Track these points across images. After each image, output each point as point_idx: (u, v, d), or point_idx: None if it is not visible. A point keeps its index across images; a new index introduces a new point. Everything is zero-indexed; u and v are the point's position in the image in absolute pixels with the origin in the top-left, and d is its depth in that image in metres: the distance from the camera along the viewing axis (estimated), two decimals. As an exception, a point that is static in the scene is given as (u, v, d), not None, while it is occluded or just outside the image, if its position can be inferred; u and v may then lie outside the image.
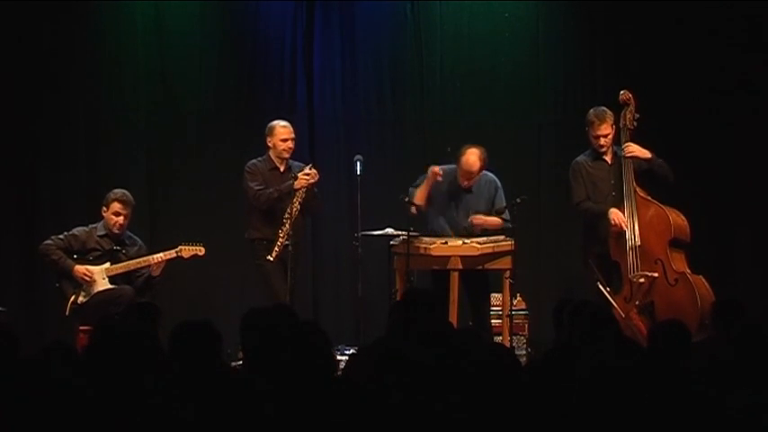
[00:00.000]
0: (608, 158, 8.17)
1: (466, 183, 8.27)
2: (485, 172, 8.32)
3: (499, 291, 8.39)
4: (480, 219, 8.24)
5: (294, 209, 8.16)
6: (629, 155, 8.02)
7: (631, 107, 8.11)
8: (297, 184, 8.18)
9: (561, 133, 9.56)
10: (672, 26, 9.32)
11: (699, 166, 9.20)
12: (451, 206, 8.31)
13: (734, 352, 4.67)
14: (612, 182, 8.11)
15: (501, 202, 8.29)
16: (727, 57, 9.27)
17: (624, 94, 8.12)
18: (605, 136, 8.10)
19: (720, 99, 9.30)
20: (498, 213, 8.21)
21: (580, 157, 8.26)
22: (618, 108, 8.12)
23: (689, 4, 9.26)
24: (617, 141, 8.14)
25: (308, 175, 8.21)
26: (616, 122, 8.11)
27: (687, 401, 4.06)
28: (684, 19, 9.28)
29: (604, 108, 8.14)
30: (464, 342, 4.85)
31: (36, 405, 4.02)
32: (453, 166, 8.33)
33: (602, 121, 8.09)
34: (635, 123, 8.10)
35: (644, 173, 8.07)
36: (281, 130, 8.42)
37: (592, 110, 8.17)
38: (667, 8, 9.28)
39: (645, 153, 8.04)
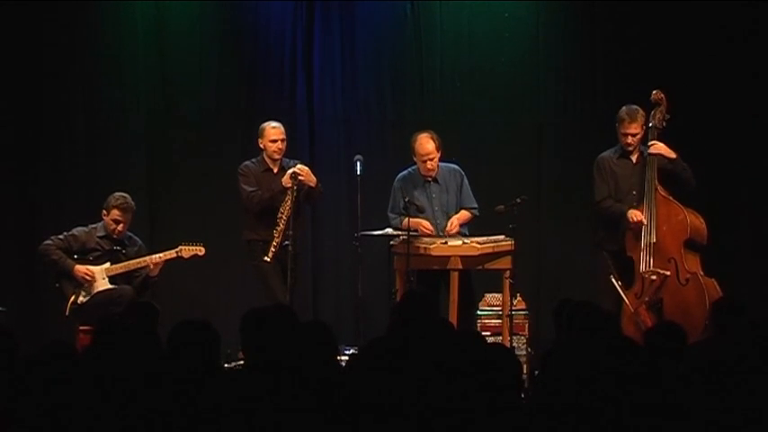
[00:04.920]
0: (634, 157, 8.18)
1: (429, 167, 8.23)
2: (447, 164, 8.33)
3: (499, 291, 8.38)
4: (454, 225, 8.23)
5: (287, 208, 8.14)
6: (654, 152, 8.02)
7: (662, 107, 8.12)
8: (283, 182, 8.17)
9: (561, 133, 9.57)
10: (672, 26, 9.32)
11: (698, 165, 9.17)
12: (426, 205, 8.28)
13: (733, 352, 4.66)
14: (633, 180, 8.11)
15: (468, 192, 8.31)
16: (728, 57, 9.27)
17: (656, 94, 8.13)
18: (633, 135, 8.08)
19: (721, 99, 9.30)
20: (499, 213, 8.15)
21: (606, 153, 8.26)
22: (649, 107, 8.12)
23: (689, 3, 9.25)
24: (644, 141, 8.14)
25: (294, 174, 8.16)
26: (646, 122, 8.11)
27: (684, 401, 4.06)
28: (685, 18, 9.28)
29: (637, 107, 8.12)
30: (464, 342, 4.85)
31: (36, 405, 4.03)
32: (412, 167, 8.34)
33: (633, 119, 8.08)
34: (664, 123, 8.11)
35: (667, 174, 8.07)
36: (271, 131, 8.39)
37: (624, 107, 8.14)
38: (667, 8, 9.28)
39: (670, 153, 8.06)
